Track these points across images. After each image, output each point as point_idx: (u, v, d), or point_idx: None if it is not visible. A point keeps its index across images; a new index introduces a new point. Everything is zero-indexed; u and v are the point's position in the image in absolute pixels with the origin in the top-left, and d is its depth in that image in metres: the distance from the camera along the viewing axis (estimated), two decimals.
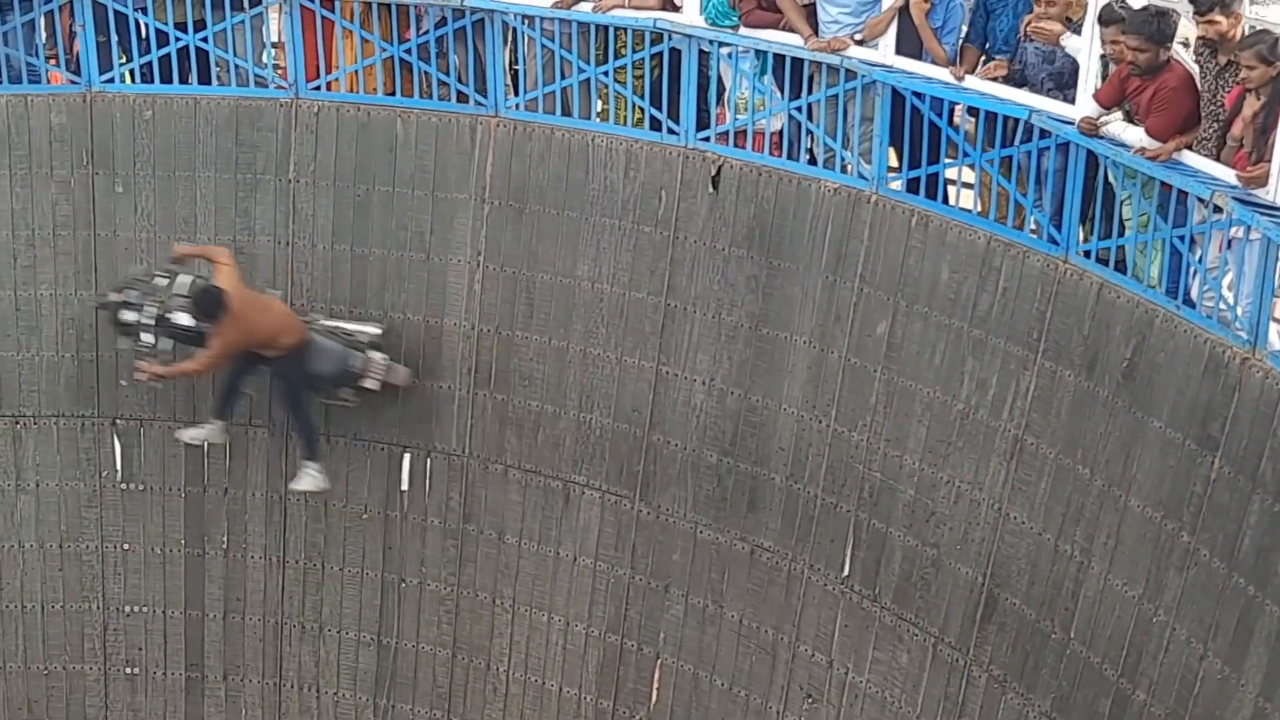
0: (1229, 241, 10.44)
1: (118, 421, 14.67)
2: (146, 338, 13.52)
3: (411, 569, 14.65)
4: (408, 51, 13.71)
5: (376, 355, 13.79)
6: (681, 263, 13.11)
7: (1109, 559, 10.89)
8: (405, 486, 14.51)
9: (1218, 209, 10.27)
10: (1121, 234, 11.04)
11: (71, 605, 15.08)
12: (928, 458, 12.00)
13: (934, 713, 12.06)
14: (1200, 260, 10.52)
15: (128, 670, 15.23)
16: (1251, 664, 9.84)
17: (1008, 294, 11.52)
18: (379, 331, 13.89)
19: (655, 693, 13.87)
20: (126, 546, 14.93)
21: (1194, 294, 10.60)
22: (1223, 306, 10.36)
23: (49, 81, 14.20)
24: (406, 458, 14.43)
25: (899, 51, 12.04)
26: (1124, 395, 10.82)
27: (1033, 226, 11.49)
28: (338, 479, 14.58)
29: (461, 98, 13.71)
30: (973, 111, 11.87)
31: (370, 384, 13.79)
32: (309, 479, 14.10)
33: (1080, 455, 11.07)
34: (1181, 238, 10.59)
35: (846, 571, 12.56)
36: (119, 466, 14.77)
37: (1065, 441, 11.17)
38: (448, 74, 13.67)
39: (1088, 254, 11.17)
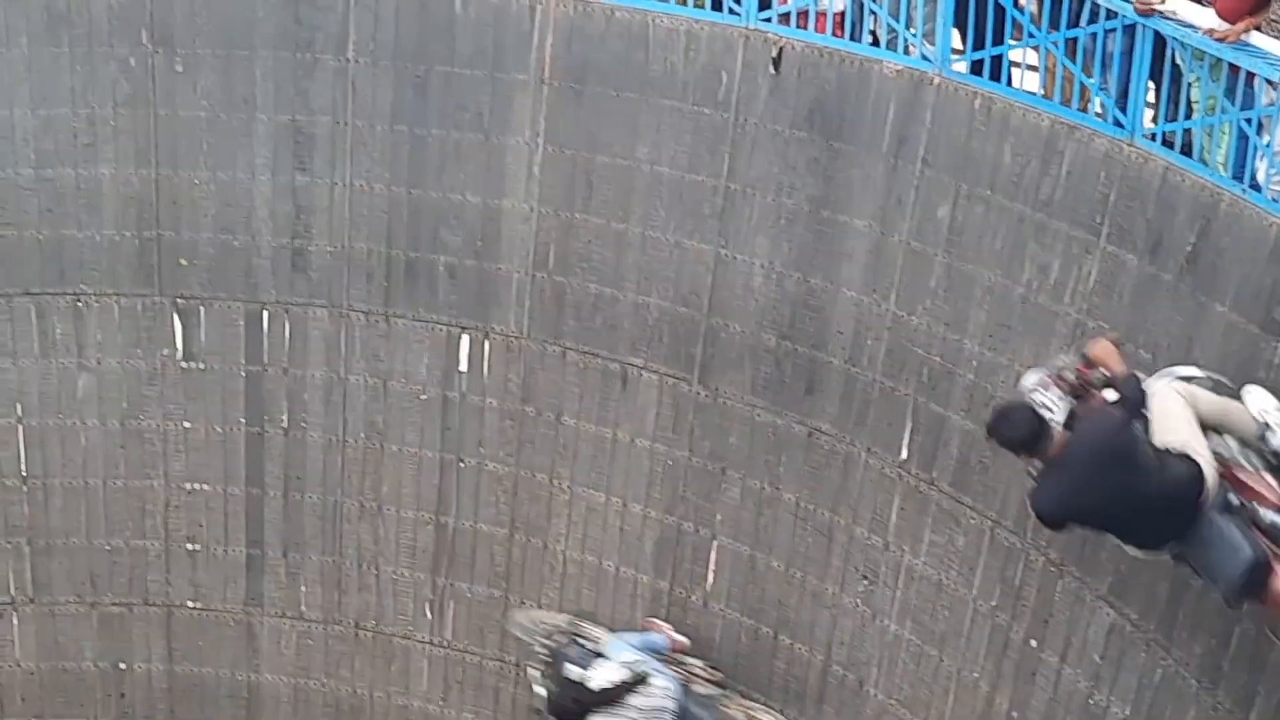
0: None
1: (178, 300, 14.76)
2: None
3: (469, 449, 14.74)
4: None
5: None
6: (741, 145, 13.04)
7: None
8: (464, 368, 14.58)
9: None
10: (1188, 117, 10.91)
11: (133, 482, 15.26)
12: (988, 342, 11.96)
13: (990, 595, 12.10)
14: (1268, 144, 10.40)
15: (188, 546, 15.43)
16: None
17: (1071, 177, 11.42)
18: None
19: (712, 574, 13.97)
20: (187, 424, 15.08)
21: (1260, 178, 10.48)
22: None
23: None
24: (465, 339, 14.49)
25: None
26: (1187, 280, 10.75)
27: (1098, 109, 11.37)
28: (395, 359, 14.67)
29: None
30: None
31: None
32: None
33: (1142, 340, 11.01)
34: (1249, 120, 10.46)
35: (904, 455, 12.58)
36: (179, 345, 14.89)
37: (1127, 326, 11.10)
38: None
39: (1153, 137, 11.05)
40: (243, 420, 15.05)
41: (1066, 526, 9.87)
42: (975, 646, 12.30)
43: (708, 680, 13.62)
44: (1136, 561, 10.99)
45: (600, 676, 13.23)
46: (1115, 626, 11.23)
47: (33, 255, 14.58)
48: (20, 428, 15.03)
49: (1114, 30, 11.13)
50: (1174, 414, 9.32)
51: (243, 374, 14.94)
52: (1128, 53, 11.10)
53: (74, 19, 14.10)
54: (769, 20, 12.83)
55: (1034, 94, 11.78)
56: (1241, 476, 9.23)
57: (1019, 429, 9.46)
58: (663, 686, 13.16)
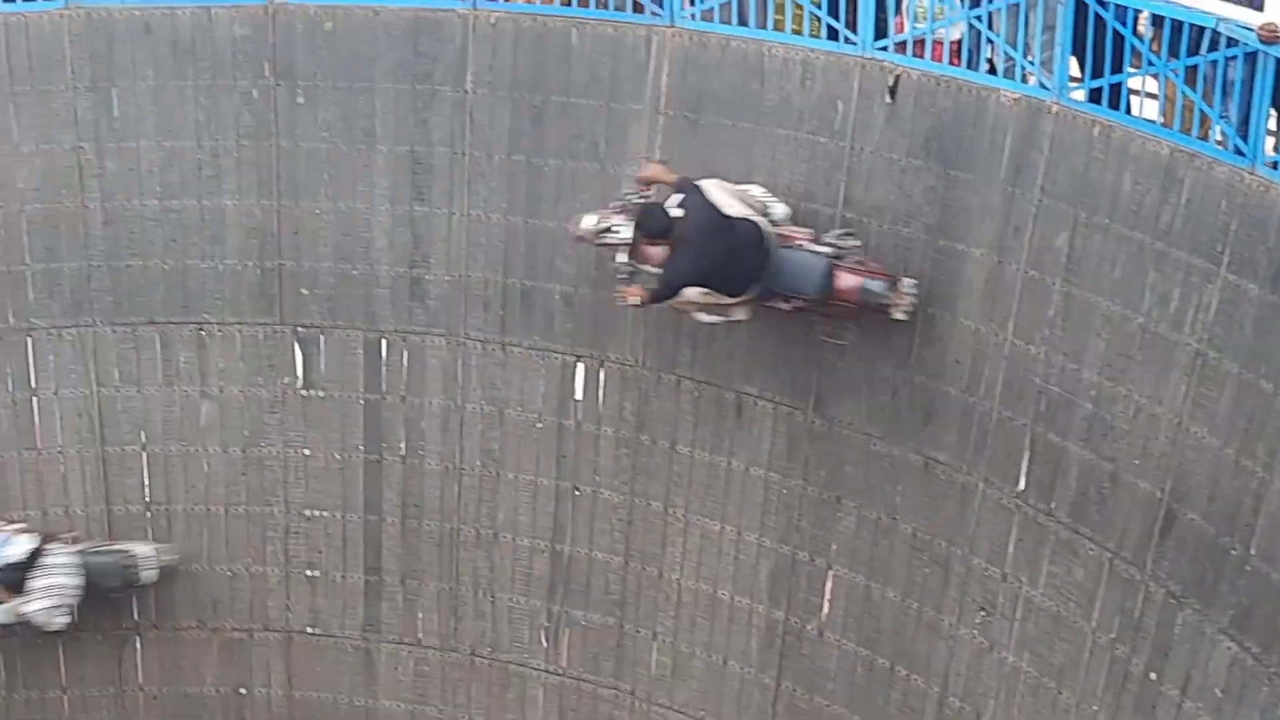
0: None
1: (299, 329, 14.95)
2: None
3: (585, 477, 14.81)
4: None
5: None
6: (858, 174, 13.03)
7: None
8: (579, 396, 14.64)
9: None
10: None
11: (254, 509, 15.44)
12: (1106, 371, 11.86)
13: (1109, 628, 11.98)
14: None
15: (308, 572, 15.59)
16: None
17: (1191, 206, 11.31)
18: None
19: (827, 604, 13.92)
20: (307, 452, 15.25)
21: None
22: None
23: None
24: (580, 367, 14.55)
25: None
26: None
27: (1218, 137, 11.26)
28: (512, 387, 14.76)
29: (637, 7, 13.70)
30: (1157, 19, 11.63)
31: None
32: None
33: (1264, 370, 10.88)
34: None
35: (1022, 485, 12.48)
36: (300, 373, 15.07)
37: (1248, 356, 10.98)
38: None
39: (1275, 165, 10.92)
40: (361, 447, 15.21)
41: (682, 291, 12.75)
42: (1094, 679, 12.17)
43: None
44: (1258, 595, 10.87)
45: None
46: (1237, 660, 11.08)
47: (157, 285, 14.83)
48: (144, 454, 15.27)
49: (1235, 58, 11.03)
50: (724, 196, 12.63)
51: (361, 402, 15.10)
52: (1249, 80, 11.00)
53: (198, 52, 14.34)
54: (885, 49, 12.82)
55: (1153, 122, 11.69)
56: (779, 230, 12.77)
57: (661, 220, 12.56)
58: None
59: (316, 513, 15.42)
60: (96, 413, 15.07)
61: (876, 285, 12.63)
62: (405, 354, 14.87)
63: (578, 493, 14.86)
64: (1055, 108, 11.99)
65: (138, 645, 15.78)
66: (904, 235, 12.87)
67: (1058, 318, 12.12)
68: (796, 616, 14.12)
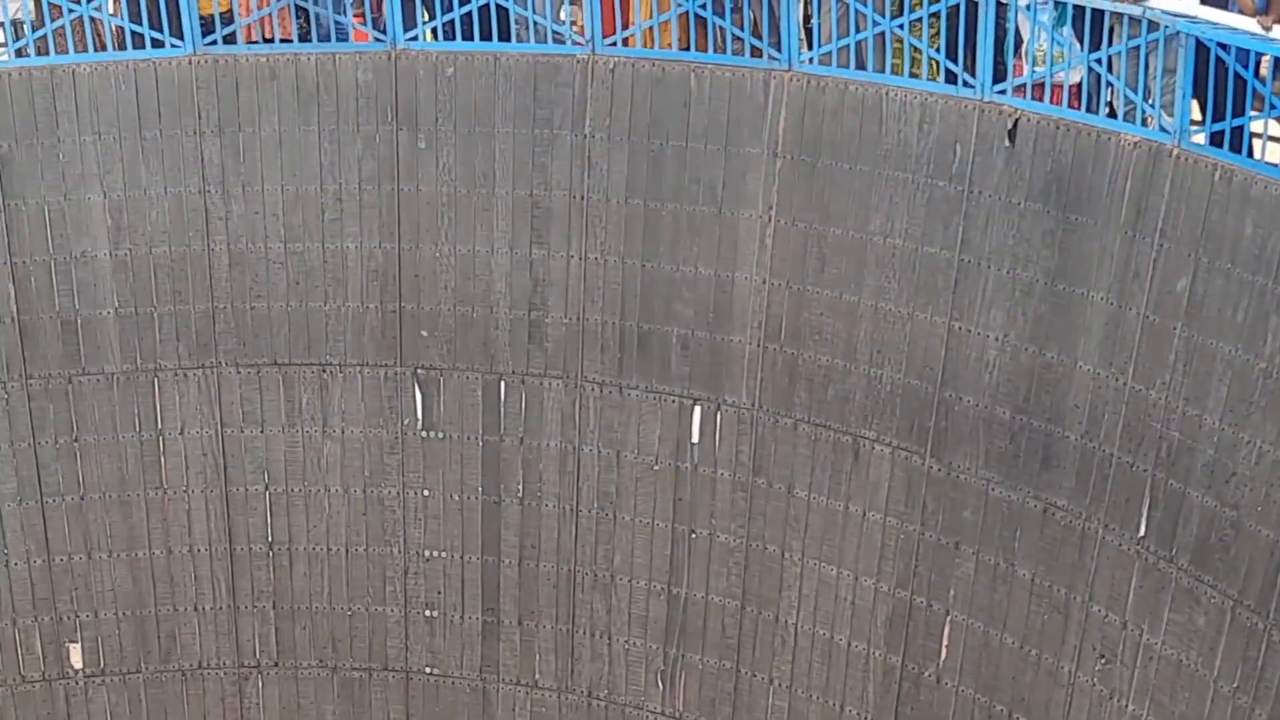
0: None
1: (419, 371, 15.09)
2: None
3: (701, 520, 14.82)
4: (703, 6, 13.80)
5: None
6: (976, 217, 12.98)
7: None
8: (695, 439, 14.66)
9: None
10: None
11: (374, 549, 15.59)
12: (1228, 417, 11.71)
13: (1232, 676, 11.80)
14: None
15: (427, 613, 15.70)
16: None
17: None
18: None
19: (945, 649, 13.82)
20: (426, 493, 15.38)
21: None
22: None
23: (355, 39, 14.63)
24: (697, 410, 14.58)
25: (1204, 1, 11.74)
26: None
27: None
28: (629, 429, 14.81)
29: (755, 52, 13.76)
30: (1279, 63, 11.53)
31: None
32: None
33: None
34: None
35: (1142, 532, 12.35)
36: (419, 415, 15.21)
37: None
38: (742, 28, 13.72)
39: None
40: (480, 489, 15.31)
41: None
42: None
43: None
44: None
45: None
46: None
47: (281, 326, 15.03)
48: (267, 494, 15.46)
49: None
50: None
51: (480, 443, 15.20)
52: None
53: (322, 97, 14.57)
54: (1004, 92, 12.79)
55: (1276, 165, 11.56)
56: None
57: None
58: None
59: (435, 553, 15.53)
60: (220, 452, 15.29)
61: None
62: (524, 396, 14.98)
63: (694, 535, 14.88)
64: (1176, 151, 11.90)
65: (259, 683, 15.95)
66: (1023, 279, 12.79)
67: (1178, 362, 12.00)
68: (914, 662, 14.02)
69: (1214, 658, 11.97)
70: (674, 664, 15.29)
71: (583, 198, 14.44)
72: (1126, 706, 12.62)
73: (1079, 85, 12.64)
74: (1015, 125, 12.73)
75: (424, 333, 14.95)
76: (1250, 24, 11.52)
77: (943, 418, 13.44)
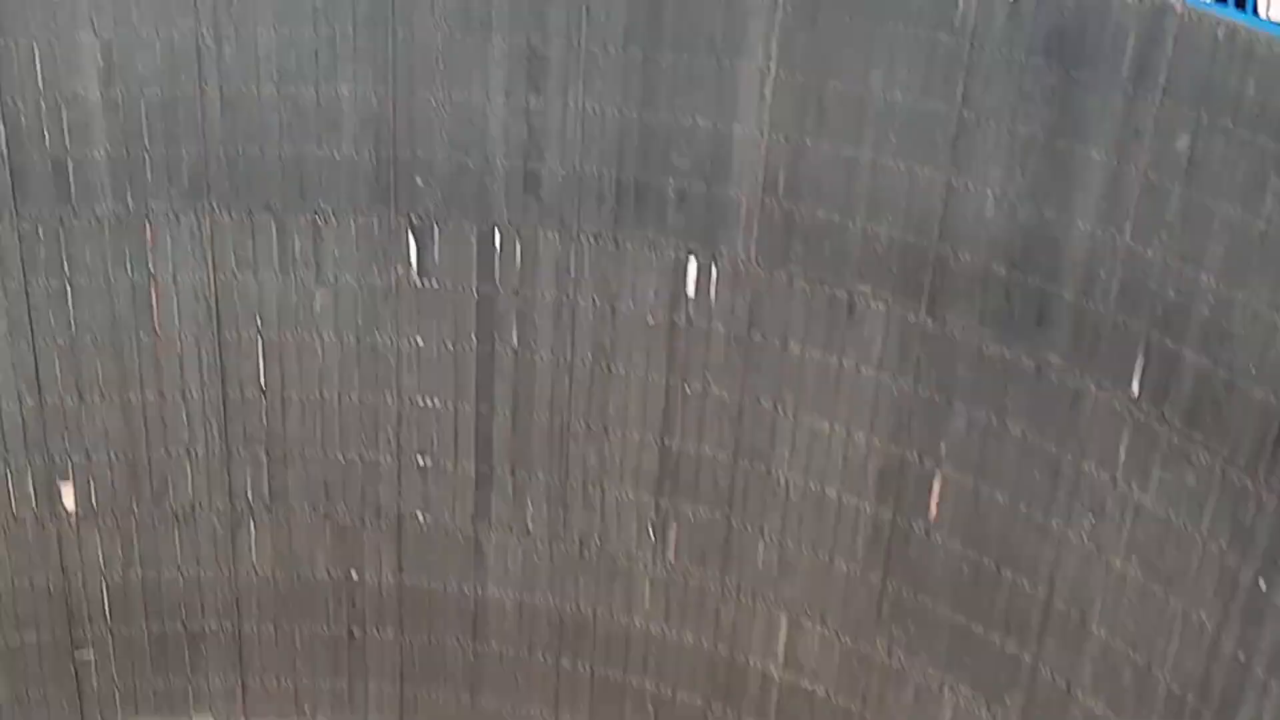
0: None
1: (413, 219, 15.01)
2: None
3: (695, 374, 14.81)
4: None
5: None
6: (977, 72, 12.84)
7: None
8: (691, 293, 14.62)
9: None
10: None
11: (367, 396, 15.59)
12: (1225, 277, 11.66)
13: (1220, 535, 11.85)
14: None
15: (420, 460, 15.74)
16: None
17: None
18: None
19: (935, 505, 13.87)
20: (420, 341, 15.35)
21: None
22: None
23: None
24: (692, 263, 14.52)
25: None
26: None
27: None
28: (624, 282, 14.76)
29: None
30: None
31: None
32: None
33: None
34: None
35: (1136, 390, 12.34)
36: (414, 263, 15.15)
37: None
38: None
39: None
40: (474, 339, 15.29)
41: None
42: (1203, 586, 12.06)
43: None
44: None
45: None
46: None
47: (274, 172, 14.92)
48: (259, 340, 15.44)
49: None
50: None
51: (475, 294, 15.16)
52: None
53: None
54: None
55: None
56: None
57: None
58: None
59: (429, 401, 15.54)
60: (213, 296, 15.24)
61: None
62: (519, 246, 14.90)
63: (688, 389, 14.88)
64: (1180, 7, 11.73)
65: (251, 528, 16.03)
66: (1023, 134, 12.68)
67: (1176, 221, 11.92)
68: (904, 517, 14.09)
69: (1202, 516, 12.01)
70: (665, 515, 15.37)
71: (580, 46, 14.27)
72: (1115, 563, 12.69)
73: None
74: None
75: (419, 181, 14.84)
76: None
77: (939, 274, 13.38)
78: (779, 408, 14.55)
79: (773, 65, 13.76)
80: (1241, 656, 11.69)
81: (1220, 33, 11.51)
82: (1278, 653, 11.45)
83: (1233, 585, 11.77)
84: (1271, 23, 11.47)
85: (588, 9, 14.15)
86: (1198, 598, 12.08)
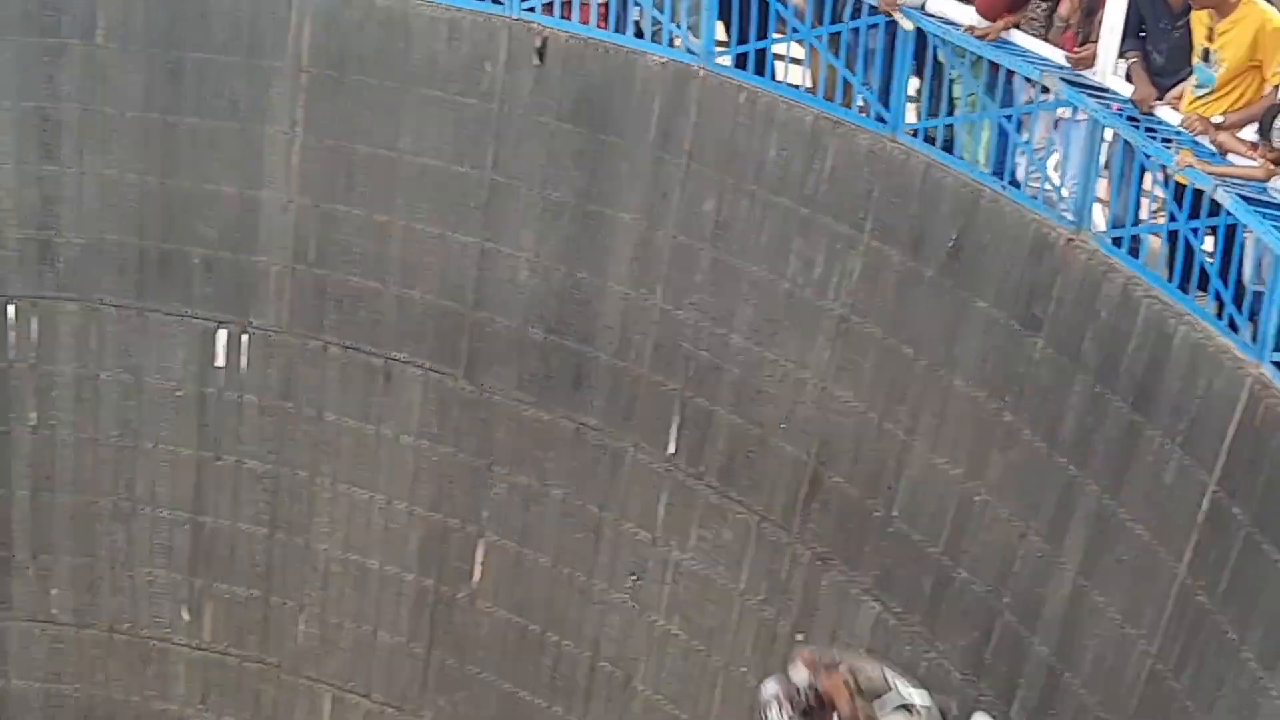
0: (1056, 123, 10.48)
1: None
2: None
3: (228, 446, 14.37)
4: None
5: None
6: (506, 137, 12.87)
7: (933, 439, 10.97)
8: (220, 362, 14.20)
9: (1045, 90, 10.27)
10: (950, 113, 10.99)
11: None
12: (754, 336, 11.96)
13: (757, 590, 12.11)
14: (1027, 141, 10.52)
15: None
16: (1071, 543, 9.98)
17: (835, 173, 11.45)
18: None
19: (479, 571, 13.78)
20: None
21: (1020, 175, 10.61)
22: (1048, 187, 10.38)
23: None
24: (222, 333, 14.11)
25: None
26: (949, 275, 10.84)
27: (861, 104, 11.41)
28: (150, 354, 14.24)
29: None
30: None
31: None
32: None
33: (905, 335, 11.10)
34: (1009, 118, 10.58)
35: (672, 449, 12.52)
36: None
37: (891, 321, 11.18)
38: None
39: (915, 133, 11.12)
40: None
41: None
42: (743, 640, 12.31)
43: None
44: (900, 556, 11.11)
45: None
46: (880, 620, 11.31)
47: None
48: None
49: (876, 26, 11.17)
50: None
51: None
52: (890, 49, 11.16)
53: None
54: (532, 10, 12.68)
55: (799, 88, 11.80)
56: None
57: None
58: None
59: None
60: None
61: None
62: (35, 320, 14.20)
63: (220, 462, 14.43)
64: (702, 73, 12.01)
65: None
66: (553, 200, 12.75)
67: (706, 282, 12.17)
68: (447, 584, 13.95)
69: (740, 572, 12.27)
70: (200, 594, 14.84)
71: (97, 111, 13.71)
72: (657, 621, 12.83)
73: (606, 4, 12.59)
74: (544, 44, 12.63)
75: None
76: None
77: (476, 339, 13.34)
78: (316, 479, 14.24)
79: (299, 130, 13.51)
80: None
81: (742, 97, 11.82)
82: None
83: (772, 638, 12.04)
84: (790, 86, 11.84)
85: (104, 72, 13.63)
86: (738, 652, 12.32)
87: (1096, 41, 10.17)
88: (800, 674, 10.69)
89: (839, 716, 10.60)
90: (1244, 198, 9.04)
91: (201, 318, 14.06)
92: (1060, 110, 10.32)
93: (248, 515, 14.50)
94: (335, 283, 13.65)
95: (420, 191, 13.24)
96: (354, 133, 13.31)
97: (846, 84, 11.46)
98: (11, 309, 14.19)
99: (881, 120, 11.22)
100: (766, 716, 10.78)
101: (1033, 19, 10.67)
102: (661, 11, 12.17)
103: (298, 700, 14.74)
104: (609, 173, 12.51)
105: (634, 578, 12.93)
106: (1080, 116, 10.16)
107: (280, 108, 13.48)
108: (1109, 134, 10.08)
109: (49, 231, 14.04)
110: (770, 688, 10.80)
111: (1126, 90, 10.06)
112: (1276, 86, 9.50)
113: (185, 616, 14.89)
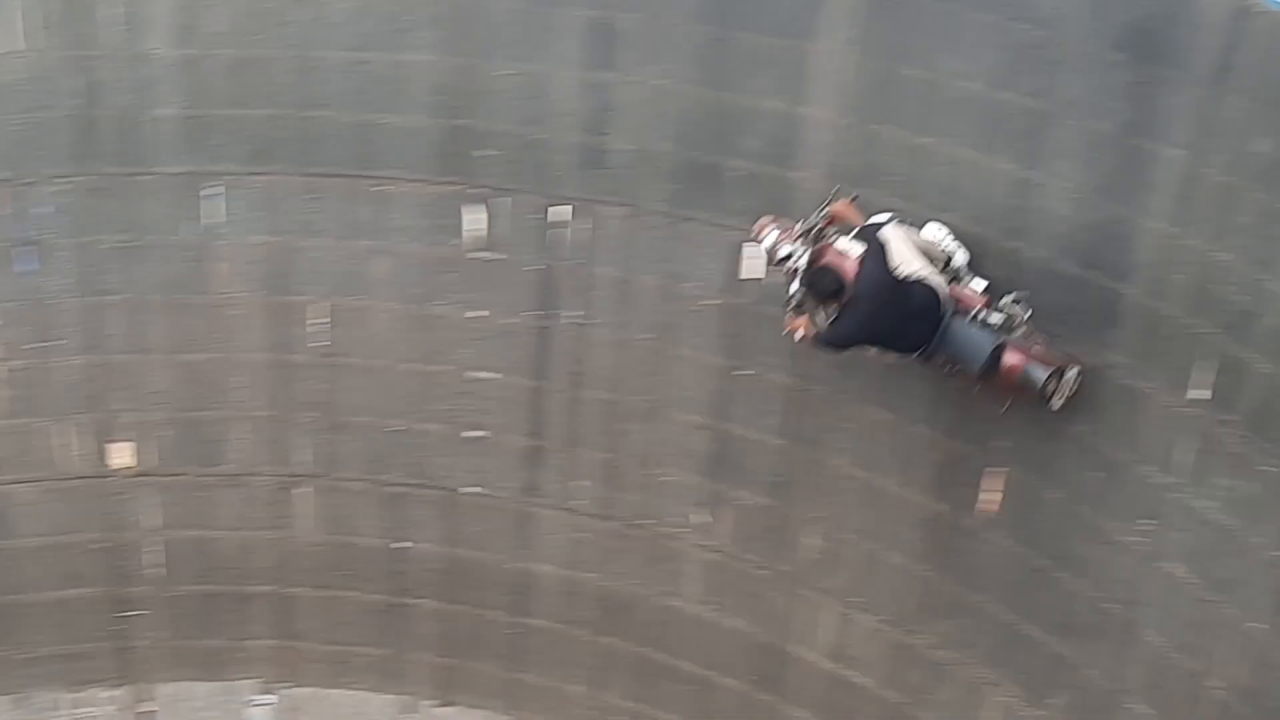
0: None
1: (473, 190, 14.92)
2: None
3: (750, 356, 14.61)
4: None
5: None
6: (1055, 64, 12.63)
7: None
8: (744, 275, 14.42)
9: None
10: None
11: (423, 367, 15.53)
12: None
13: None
14: None
15: (472, 433, 15.68)
16: None
17: None
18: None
19: (990, 498, 13.70)
20: (483, 313, 15.29)
21: None
22: None
23: None
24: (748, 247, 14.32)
25: None
26: None
27: None
28: (687, 261, 14.59)
29: None
30: None
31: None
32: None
33: None
34: None
35: (1199, 394, 12.17)
36: (479, 233, 15.06)
37: None
38: None
39: None
40: (532, 312, 15.16)
41: (849, 349, 12.88)
42: (1258, 595, 11.98)
43: None
44: None
45: None
46: None
47: (342, 136, 14.83)
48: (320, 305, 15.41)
49: None
50: (906, 249, 12.22)
51: (536, 267, 15.03)
52: None
53: None
54: None
55: None
56: (954, 291, 12.43)
57: (830, 285, 12.43)
58: None
59: (483, 374, 15.46)
60: (274, 264, 15.22)
61: (1038, 372, 12.35)
62: (589, 221, 14.75)
63: (741, 372, 14.72)
64: (1260, 8, 11.54)
65: (301, 493, 16.05)
66: (1097, 131, 12.47)
67: (1249, 225, 11.75)
68: (958, 510, 13.93)
69: (1263, 524, 11.89)
70: (716, 498, 15.26)
71: (655, 17, 14.06)
72: (1170, 569, 12.53)
73: None
74: None
75: (487, 151, 14.71)
76: None
77: (1001, 268, 13.13)
78: (838, 394, 14.34)
79: (848, 48, 13.54)
80: None
81: None
82: None
83: None
84: None
85: None
86: (1253, 607, 11.97)
87: None
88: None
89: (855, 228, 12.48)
90: None
91: (737, 228, 14.32)
92: None
93: (767, 426, 14.78)
94: (867, 204, 13.71)
95: (962, 116, 13.14)
96: (902, 54, 13.28)
97: None
98: (569, 209, 14.78)
99: None
100: (776, 255, 12.95)
101: None
102: None
103: (804, 610, 15.01)
104: (1159, 106, 12.17)
105: (1149, 520, 12.66)
106: None
107: (831, 26, 13.55)
108: None
109: (603, 137, 14.54)
110: (771, 236, 12.99)
111: None
112: None
113: (703, 518, 15.33)
